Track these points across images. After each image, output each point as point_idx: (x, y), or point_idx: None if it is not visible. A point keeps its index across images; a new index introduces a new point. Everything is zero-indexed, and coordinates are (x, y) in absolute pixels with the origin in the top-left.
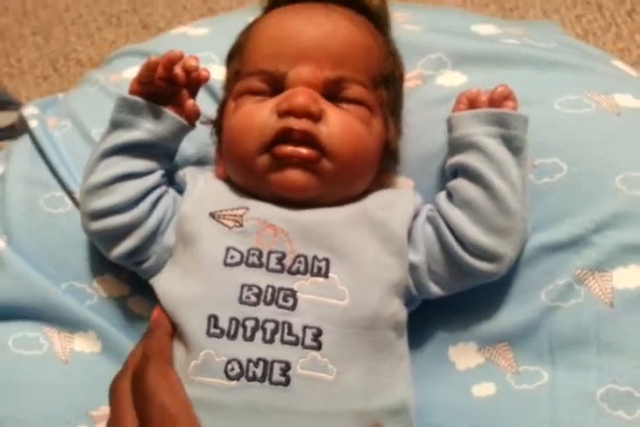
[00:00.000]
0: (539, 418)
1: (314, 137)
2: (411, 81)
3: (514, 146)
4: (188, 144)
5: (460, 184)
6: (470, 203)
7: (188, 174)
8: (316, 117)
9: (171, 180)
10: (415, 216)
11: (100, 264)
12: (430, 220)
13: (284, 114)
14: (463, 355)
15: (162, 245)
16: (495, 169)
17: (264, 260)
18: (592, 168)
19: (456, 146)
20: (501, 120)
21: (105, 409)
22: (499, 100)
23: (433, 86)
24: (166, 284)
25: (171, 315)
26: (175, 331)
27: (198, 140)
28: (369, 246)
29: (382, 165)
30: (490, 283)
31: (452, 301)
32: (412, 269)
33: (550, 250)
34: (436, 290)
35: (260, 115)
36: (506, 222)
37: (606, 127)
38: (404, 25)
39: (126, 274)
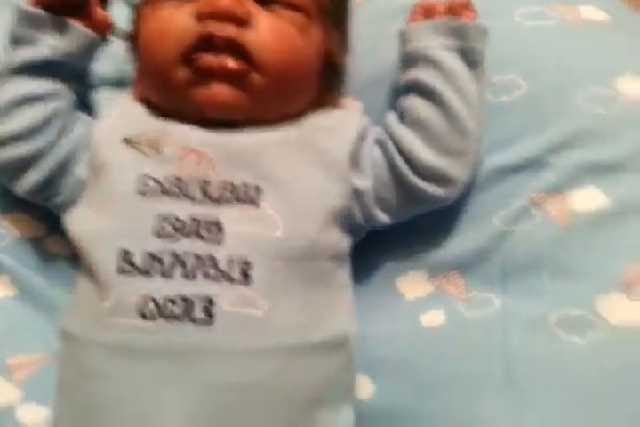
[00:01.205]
0: (490, 345)
1: (240, 45)
2: None
3: (471, 59)
4: (105, 63)
5: (413, 102)
6: (423, 122)
7: (103, 98)
8: (243, 22)
9: (86, 105)
10: (362, 140)
11: (10, 201)
12: (379, 143)
13: (205, 17)
14: (412, 285)
15: (74, 178)
16: (451, 85)
17: (185, 188)
18: (552, 85)
19: (409, 60)
20: (459, 31)
21: (22, 358)
22: (457, 9)
23: None
24: (77, 219)
25: (81, 253)
26: (88, 271)
27: (117, 58)
28: (306, 172)
29: (323, 82)
30: (441, 209)
31: (401, 229)
32: (358, 195)
33: (505, 173)
34: (383, 218)
35: (178, 20)
36: (460, 143)
37: (569, 41)
38: None
39: (41, 212)
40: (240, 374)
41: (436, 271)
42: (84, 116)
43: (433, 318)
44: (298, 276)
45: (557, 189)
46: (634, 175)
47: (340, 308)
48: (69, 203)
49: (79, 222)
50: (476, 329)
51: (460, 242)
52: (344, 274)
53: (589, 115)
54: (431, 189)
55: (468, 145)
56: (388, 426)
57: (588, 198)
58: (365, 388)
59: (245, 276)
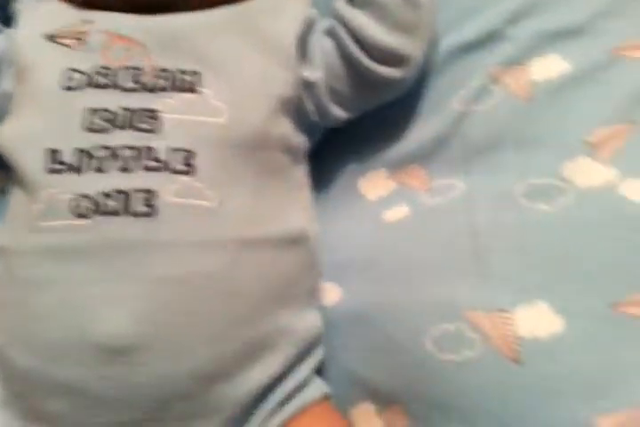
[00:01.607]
0: (455, 227)
1: None
2: None
3: None
4: None
5: None
6: None
7: (22, 4)
8: None
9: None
10: (309, 29)
11: None
12: (329, 32)
13: None
14: (373, 185)
15: (1, 93)
16: None
17: (115, 78)
18: None
19: None
20: None
21: None
22: None
23: None
24: (4, 130)
25: (10, 162)
26: (18, 181)
27: None
28: (249, 56)
29: None
30: (396, 102)
31: (359, 128)
32: (310, 88)
33: (462, 51)
34: (338, 112)
35: None
36: (412, 15)
37: None
38: None
39: None
40: (189, 265)
41: (395, 168)
42: (5, 30)
43: (395, 213)
44: (248, 167)
45: (517, 61)
46: (592, 39)
47: (297, 205)
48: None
49: (5, 131)
50: (440, 215)
51: (419, 132)
52: (300, 173)
53: None
54: (387, 70)
55: (420, 17)
56: (356, 327)
57: (549, 66)
58: (332, 294)
59: (188, 165)
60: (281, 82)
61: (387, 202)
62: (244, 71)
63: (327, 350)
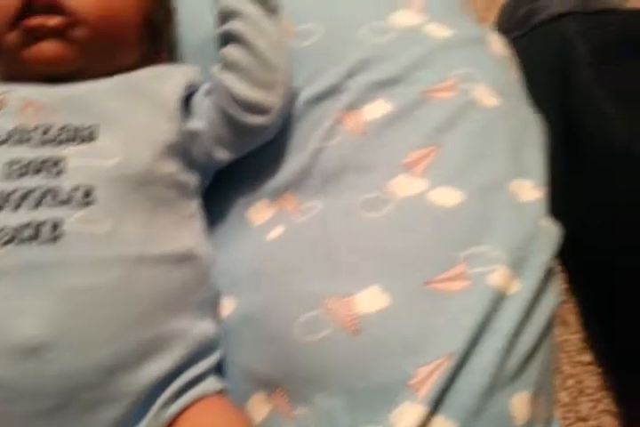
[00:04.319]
0: (316, 236)
1: (58, 4)
2: None
3: (269, 7)
4: None
5: (227, 49)
6: (236, 63)
7: None
8: None
9: None
10: (193, 90)
11: None
12: (209, 91)
13: None
14: (258, 212)
15: None
16: (253, 28)
17: (29, 135)
18: (342, 26)
19: (222, 17)
20: None
21: None
22: None
23: None
24: None
25: None
26: None
27: None
28: (138, 111)
29: (149, 40)
30: (272, 143)
31: (244, 166)
32: (195, 136)
33: (315, 101)
34: (223, 154)
35: None
36: (269, 76)
37: None
38: None
39: None
40: (90, 280)
41: (274, 196)
42: None
43: (274, 233)
44: (140, 198)
45: (354, 107)
46: (407, 85)
47: (187, 231)
48: None
49: None
50: (304, 229)
51: (289, 166)
52: (191, 205)
53: (371, 45)
54: (254, 119)
55: (276, 77)
56: (246, 328)
57: (377, 109)
58: (229, 306)
59: (88, 197)
60: (166, 131)
61: (268, 226)
62: (134, 123)
63: (226, 354)
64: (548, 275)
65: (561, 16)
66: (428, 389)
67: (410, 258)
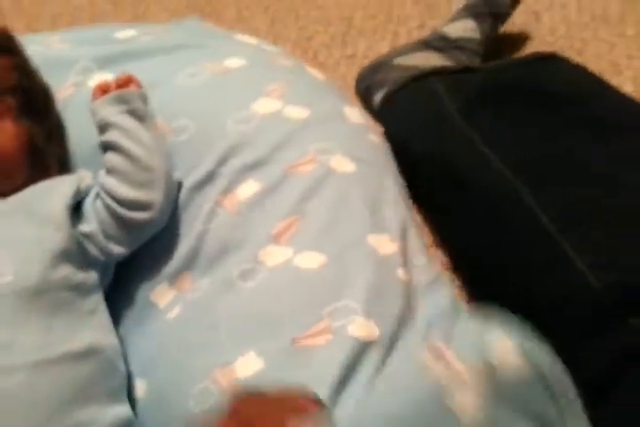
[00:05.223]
0: (201, 310)
1: None
2: (66, 90)
3: (138, 115)
4: None
5: (107, 157)
6: (115, 168)
7: None
8: None
9: None
10: (83, 196)
11: None
12: (97, 195)
13: None
14: (161, 295)
15: None
16: (128, 137)
17: None
18: (210, 120)
19: (101, 129)
20: (123, 98)
21: None
22: (124, 83)
23: (86, 89)
24: None
25: None
26: None
27: None
28: (26, 227)
29: (35, 160)
30: (165, 229)
31: (142, 253)
32: (88, 237)
33: (197, 188)
34: (118, 249)
35: None
36: (146, 176)
37: (216, 87)
38: (56, 44)
39: None
40: None
41: (173, 278)
42: None
43: (173, 312)
44: (36, 308)
45: (230, 189)
46: (272, 165)
47: (88, 326)
48: None
49: None
50: (194, 306)
51: (181, 249)
52: (92, 300)
53: (237, 133)
54: (138, 215)
55: (153, 176)
56: (156, 412)
57: (248, 188)
58: (141, 387)
59: None
60: (57, 240)
61: (169, 306)
62: (21, 242)
63: None
64: (402, 319)
65: (428, 75)
66: None
67: (280, 320)
